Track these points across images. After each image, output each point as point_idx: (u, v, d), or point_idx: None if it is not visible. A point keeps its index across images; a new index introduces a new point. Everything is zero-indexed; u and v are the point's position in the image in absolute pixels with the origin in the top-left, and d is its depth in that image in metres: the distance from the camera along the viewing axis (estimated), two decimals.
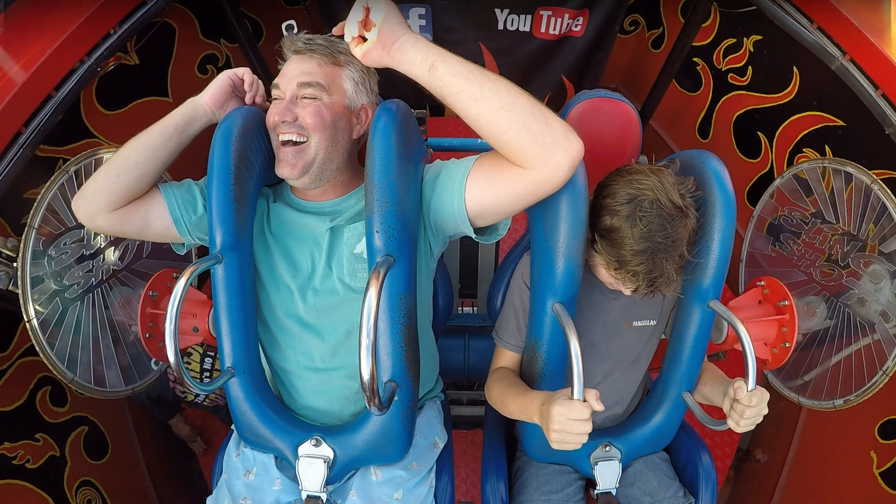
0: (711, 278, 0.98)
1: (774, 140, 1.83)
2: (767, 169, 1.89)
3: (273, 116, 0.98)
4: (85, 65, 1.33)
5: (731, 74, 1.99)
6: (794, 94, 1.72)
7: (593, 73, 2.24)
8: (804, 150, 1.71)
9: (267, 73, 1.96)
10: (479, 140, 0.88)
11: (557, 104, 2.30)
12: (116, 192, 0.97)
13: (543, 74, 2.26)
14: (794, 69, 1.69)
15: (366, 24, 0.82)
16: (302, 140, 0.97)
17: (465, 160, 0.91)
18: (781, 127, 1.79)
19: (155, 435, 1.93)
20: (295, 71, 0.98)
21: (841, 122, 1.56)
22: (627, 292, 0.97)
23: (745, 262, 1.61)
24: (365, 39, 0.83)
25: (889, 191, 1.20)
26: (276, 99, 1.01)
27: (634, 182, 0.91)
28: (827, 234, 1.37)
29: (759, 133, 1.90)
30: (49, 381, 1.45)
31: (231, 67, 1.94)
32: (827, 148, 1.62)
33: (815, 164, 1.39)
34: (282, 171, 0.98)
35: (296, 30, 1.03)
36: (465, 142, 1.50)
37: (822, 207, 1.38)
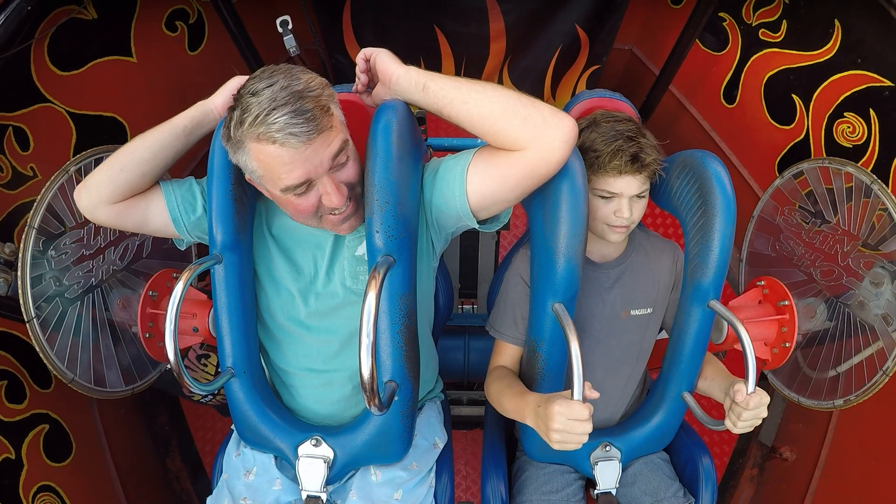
0: (711, 278, 0.98)
1: (811, 104, 1.63)
2: (802, 136, 1.68)
3: (326, 205, 0.88)
4: (14, 2, 1.15)
5: (762, 30, 1.76)
6: (834, 52, 1.53)
7: (611, 23, 2.04)
8: (845, 114, 1.53)
9: (243, 34, 1.79)
10: (479, 140, 0.90)
11: (571, 57, 2.15)
12: (119, 185, 0.97)
13: (555, 23, 2.05)
14: (836, 22, 1.50)
15: (369, 71, 0.93)
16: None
17: (463, 154, 0.92)
18: (819, 89, 1.60)
19: (126, 433, 1.80)
20: (320, 153, 0.83)
21: (889, 83, 1.39)
22: (621, 186, 0.99)
23: (745, 262, 1.61)
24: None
25: (889, 191, 1.20)
26: (297, 189, 0.84)
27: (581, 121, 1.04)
28: (827, 234, 1.37)
29: (793, 96, 1.69)
30: (6, 376, 1.34)
31: (203, 25, 1.80)
32: (871, 112, 1.44)
33: (815, 164, 1.39)
34: (341, 231, 0.96)
35: (290, 25, 1.00)
36: (465, 141, 1.50)
37: (823, 207, 1.38)
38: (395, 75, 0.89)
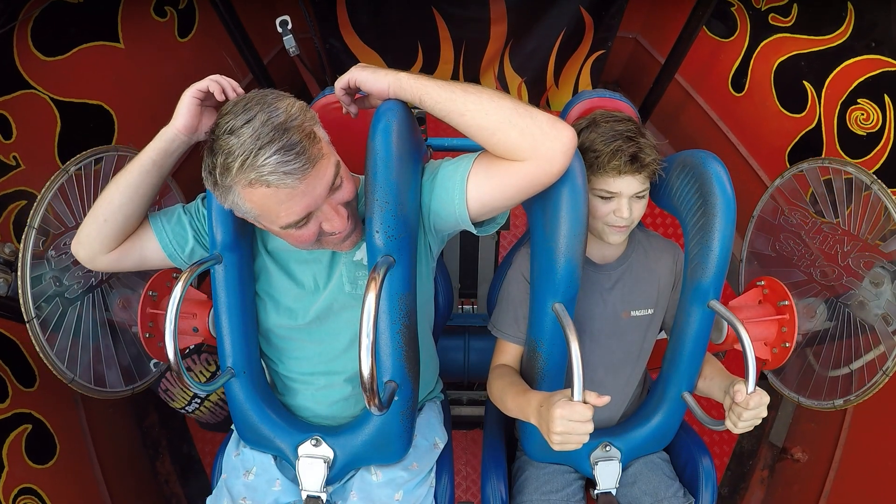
0: (711, 278, 0.98)
1: (823, 90, 1.58)
2: (814, 125, 1.63)
3: (328, 230, 0.87)
4: None
5: (772, 15, 1.71)
6: (847, 35, 1.48)
7: (617, 5, 1.99)
8: (858, 101, 1.48)
9: (235, 21, 1.69)
10: None
11: (575, 42, 2.08)
12: (107, 235, 0.96)
13: (559, 5, 1.98)
14: (849, 5, 1.46)
15: (354, 92, 0.92)
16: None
17: (463, 160, 0.91)
18: (832, 74, 1.55)
19: (114, 434, 1.73)
20: (317, 186, 0.81)
21: None
22: (620, 186, 0.99)
23: (745, 262, 1.60)
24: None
25: (889, 191, 1.20)
26: (298, 223, 0.83)
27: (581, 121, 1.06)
28: (827, 234, 1.37)
29: (804, 83, 1.64)
30: None
31: (194, 11, 1.71)
32: (886, 98, 1.40)
33: (815, 164, 1.39)
34: (343, 249, 0.95)
35: (290, 25, 0.98)
36: (465, 142, 1.48)
37: (823, 207, 1.38)
38: (390, 89, 0.87)
